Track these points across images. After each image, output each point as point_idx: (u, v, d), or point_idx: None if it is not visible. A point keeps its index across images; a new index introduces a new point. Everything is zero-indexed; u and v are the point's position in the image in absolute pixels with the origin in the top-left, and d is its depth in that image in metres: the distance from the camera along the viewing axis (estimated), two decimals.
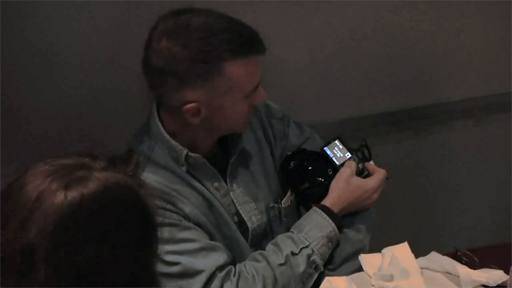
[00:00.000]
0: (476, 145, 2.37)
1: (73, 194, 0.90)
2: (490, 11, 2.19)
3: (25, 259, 0.88)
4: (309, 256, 1.53)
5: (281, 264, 1.51)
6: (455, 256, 1.58)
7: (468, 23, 2.20)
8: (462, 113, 2.32)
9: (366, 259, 1.56)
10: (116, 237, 0.93)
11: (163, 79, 1.42)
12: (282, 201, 1.67)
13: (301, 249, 1.53)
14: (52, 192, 0.90)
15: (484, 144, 2.35)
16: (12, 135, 1.81)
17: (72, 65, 1.83)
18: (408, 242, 1.61)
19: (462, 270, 1.47)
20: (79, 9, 1.77)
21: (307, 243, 1.54)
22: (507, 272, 1.48)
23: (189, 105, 1.42)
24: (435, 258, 1.57)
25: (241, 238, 1.60)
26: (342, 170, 1.63)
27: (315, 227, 1.56)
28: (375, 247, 1.63)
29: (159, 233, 1.01)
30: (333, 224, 1.56)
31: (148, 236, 0.98)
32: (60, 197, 0.90)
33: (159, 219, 1.39)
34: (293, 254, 1.52)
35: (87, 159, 0.97)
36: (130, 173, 0.99)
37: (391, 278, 1.49)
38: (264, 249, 1.57)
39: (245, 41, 1.43)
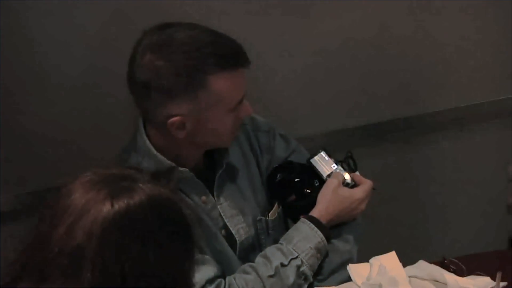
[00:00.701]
0: (464, 155, 2.39)
1: (120, 203, 0.95)
2: (481, 19, 2.22)
3: (73, 261, 0.92)
4: (298, 267, 1.53)
5: (271, 276, 1.51)
6: (443, 264, 1.59)
7: (455, 32, 2.22)
8: (449, 123, 2.34)
9: (355, 269, 1.57)
10: (159, 246, 0.96)
11: (148, 93, 1.43)
12: (269, 214, 1.68)
13: (291, 260, 1.54)
14: (99, 200, 0.95)
15: (471, 153, 2.38)
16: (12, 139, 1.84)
17: (64, 77, 1.86)
18: (396, 252, 1.62)
19: (450, 277, 1.48)
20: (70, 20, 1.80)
21: (296, 254, 1.54)
22: (493, 278, 1.49)
23: (173, 119, 1.43)
24: (423, 267, 1.58)
25: (230, 251, 1.61)
26: (329, 181, 1.64)
27: (304, 239, 1.57)
28: (364, 257, 1.64)
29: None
30: (321, 235, 1.57)
31: (187, 247, 1.02)
32: (107, 206, 0.94)
33: None
34: (282, 265, 1.53)
35: (132, 171, 1.02)
36: (171, 188, 1.04)
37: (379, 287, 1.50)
38: (252, 262, 1.57)
39: (229, 55, 1.44)
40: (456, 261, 1.57)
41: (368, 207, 2.14)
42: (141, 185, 0.98)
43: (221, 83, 1.43)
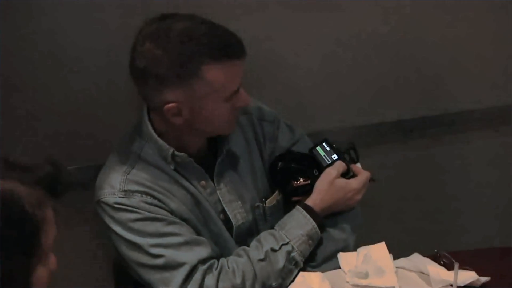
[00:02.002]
0: (484, 154, 2.37)
1: None
2: (504, 19, 2.20)
3: None
4: (289, 252, 1.59)
5: (261, 260, 1.57)
6: (436, 257, 1.61)
7: (479, 31, 2.21)
8: (474, 122, 2.33)
9: (344, 257, 1.62)
10: None
11: (145, 80, 1.50)
12: (267, 201, 1.74)
13: (281, 245, 1.59)
14: None
15: (492, 153, 2.35)
16: (12, 134, 1.90)
17: (74, 66, 1.90)
18: (414, 245, 1.66)
19: (433, 269, 1.51)
20: (83, 9, 1.85)
21: (287, 240, 1.60)
22: (479, 273, 1.51)
23: (169, 105, 1.50)
24: (414, 259, 1.61)
25: (227, 235, 1.68)
26: (327, 170, 1.69)
27: (296, 225, 1.62)
28: None
29: (45, 247, 1.06)
30: (313, 223, 1.62)
31: (25, 243, 1.02)
32: None
33: (146, 213, 1.52)
34: (273, 250, 1.58)
35: None
36: (29, 181, 1.03)
37: (365, 276, 1.54)
38: (249, 246, 1.64)
39: (224, 46, 1.49)
40: (447, 255, 1.58)
41: (387, 202, 2.20)
42: None
43: (214, 74, 1.48)
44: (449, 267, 1.56)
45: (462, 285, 1.46)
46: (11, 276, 1.00)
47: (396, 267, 1.57)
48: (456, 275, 1.35)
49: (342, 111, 2.21)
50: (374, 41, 2.15)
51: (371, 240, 1.67)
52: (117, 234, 1.56)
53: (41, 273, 1.06)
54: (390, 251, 1.63)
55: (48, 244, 1.07)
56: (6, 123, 1.84)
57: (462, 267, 1.52)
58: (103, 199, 1.57)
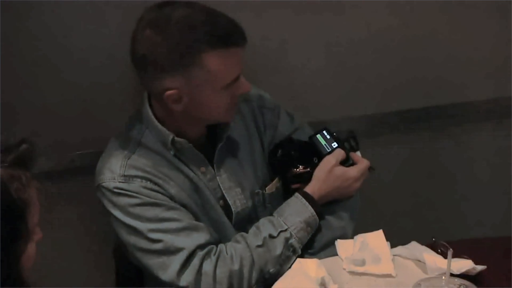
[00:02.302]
0: (487, 146, 2.38)
1: None
2: (508, 13, 2.19)
3: None
4: (287, 239, 1.60)
5: (259, 246, 1.58)
6: (433, 246, 1.62)
7: (486, 24, 2.21)
8: (477, 114, 2.33)
9: (341, 244, 1.63)
10: None
11: (145, 67, 1.51)
12: (267, 188, 1.75)
13: (280, 232, 1.60)
14: None
15: (495, 145, 2.36)
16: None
17: (73, 63, 1.93)
18: (418, 233, 1.68)
19: (429, 257, 1.51)
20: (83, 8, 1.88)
21: (286, 227, 1.61)
22: (476, 262, 1.51)
23: (169, 92, 1.51)
24: (411, 247, 1.61)
25: (226, 221, 1.69)
26: (326, 158, 1.69)
27: (294, 212, 1.63)
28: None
29: (30, 225, 1.06)
30: (312, 210, 1.63)
31: (12, 228, 1.02)
32: None
33: (145, 198, 1.53)
34: (271, 236, 1.60)
35: None
36: (7, 163, 1.03)
37: (362, 263, 1.55)
38: (248, 232, 1.65)
39: (224, 34, 1.49)
40: (444, 243, 1.58)
41: (387, 192, 2.20)
42: None
43: (214, 61, 1.49)
44: (446, 256, 1.56)
45: (458, 273, 1.46)
46: (1, 259, 1.01)
47: (393, 255, 1.58)
48: (449, 261, 1.35)
49: (346, 102, 2.22)
50: (378, 33, 2.15)
51: (370, 228, 1.67)
52: (116, 218, 1.58)
53: (29, 250, 1.07)
54: (388, 240, 1.64)
55: (34, 223, 1.08)
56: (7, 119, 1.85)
57: (459, 255, 1.53)
58: (103, 184, 1.58)
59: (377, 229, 1.64)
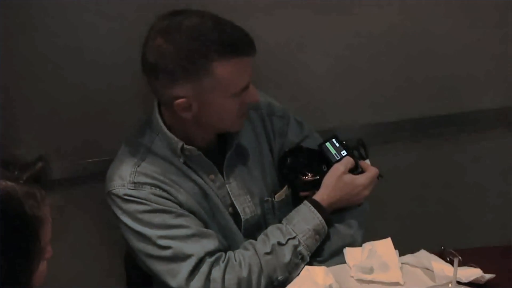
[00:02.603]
0: (503, 155, 2.36)
1: None
2: None
3: None
4: (295, 247, 1.61)
5: (267, 253, 1.59)
6: (442, 254, 1.62)
7: (496, 30, 2.20)
8: (488, 121, 2.32)
9: (350, 252, 1.63)
10: None
11: (156, 75, 1.53)
12: (276, 195, 1.76)
13: (288, 240, 1.61)
14: None
15: (505, 152, 2.35)
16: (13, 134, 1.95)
17: (84, 68, 1.95)
18: (416, 242, 1.66)
19: (437, 265, 1.51)
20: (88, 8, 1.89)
21: (294, 235, 1.62)
22: (485, 271, 1.51)
23: (179, 100, 1.53)
24: (419, 255, 1.61)
25: (235, 228, 1.70)
26: (335, 166, 1.70)
27: (303, 220, 1.64)
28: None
29: (43, 243, 1.06)
30: (320, 218, 1.64)
31: (25, 246, 1.02)
32: None
33: (154, 205, 1.54)
34: (279, 244, 1.60)
35: None
36: (23, 180, 1.03)
37: (370, 271, 1.55)
38: (257, 240, 1.66)
39: (233, 43, 1.51)
40: (453, 251, 1.58)
41: (397, 199, 2.20)
42: None
43: (223, 70, 1.50)
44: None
45: (466, 281, 1.46)
46: (13, 278, 1.01)
47: (402, 263, 1.58)
48: (455, 268, 1.35)
49: (356, 109, 2.22)
50: (389, 39, 2.15)
51: (379, 236, 1.68)
52: (126, 225, 1.59)
53: (41, 268, 1.07)
54: (397, 248, 1.64)
55: (47, 240, 1.08)
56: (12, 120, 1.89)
57: (468, 264, 1.53)
58: (113, 191, 1.60)
59: (386, 237, 1.64)
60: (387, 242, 1.62)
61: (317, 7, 2.04)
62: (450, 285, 1.40)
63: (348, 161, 1.71)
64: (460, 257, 1.54)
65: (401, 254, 1.63)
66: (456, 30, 2.19)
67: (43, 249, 1.07)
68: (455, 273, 1.35)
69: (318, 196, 1.67)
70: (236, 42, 1.51)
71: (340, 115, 2.22)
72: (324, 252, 1.68)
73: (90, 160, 2.05)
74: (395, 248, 1.63)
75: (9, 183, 1.01)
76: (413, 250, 1.65)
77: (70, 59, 1.91)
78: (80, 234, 2.07)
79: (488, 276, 1.49)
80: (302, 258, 1.62)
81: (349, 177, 1.69)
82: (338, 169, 1.69)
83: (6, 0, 1.77)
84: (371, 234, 1.71)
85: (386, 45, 2.16)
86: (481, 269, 1.52)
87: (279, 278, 1.59)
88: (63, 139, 2.01)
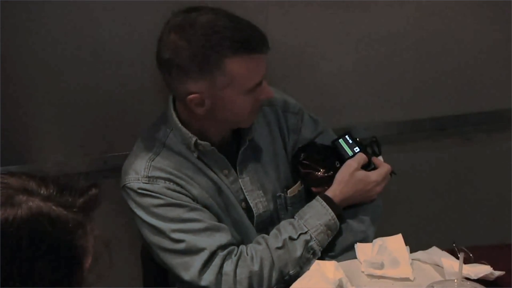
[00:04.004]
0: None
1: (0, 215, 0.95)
2: None
3: None
4: (307, 242, 1.62)
5: (279, 248, 1.61)
6: (453, 251, 1.62)
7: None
8: (504, 121, 2.31)
9: (361, 248, 1.64)
10: (34, 266, 0.96)
11: (169, 70, 1.55)
12: (288, 191, 1.78)
13: (300, 235, 1.62)
14: None
15: None
16: (14, 133, 1.99)
17: (101, 64, 1.98)
18: (429, 239, 1.67)
19: (446, 262, 1.52)
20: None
21: (306, 230, 1.63)
22: (495, 268, 1.51)
23: (192, 96, 1.55)
24: (431, 252, 1.62)
25: (248, 223, 1.72)
26: (347, 162, 1.71)
27: (315, 215, 1.65)
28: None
29: (85, 272, 1.04)
30: (332, 213, 1.65)
31: (68, 274, 1.01)
32: None
33: (168, 199, 1.57)
34: (291, 239, 1.62)
35: (33, 184, 1.00)
36: (76, 208, 1.02)
37: (381, 266, 1.56)
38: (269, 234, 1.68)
39: (246, 40, 1.52)
40: (464, 249, 1.58)
41: (411, 196, 2.20)
42: (31, 201, 0.97)
43: (236, 66, 1.52)
44: (467, 261, 1.57)
45: (475, 277, 1.46)
46: None
47: (412, 259, 1.59)
48: (461, 264, 1.36)
49: (373, 107, 2.23)
50: (406, 38, 2.15)
51: (393, 233, 1.68)
52: (140, 218, 1.62)
53: None
54: (409, 244, 1.64)
55: (87, 268, 1.06)
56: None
57: (478, 261, 1.53)
58: (128, 184, 1.63)
59: (394, 232, 1.65)
60: (398, 238, 1.63)
61: (333, 5, 2.05)
62: (456, 280, 1.40)
63: (361, 158, 1.72)
64: (470, 254, 1.57)
65: (413, 250, 1.64)
66: (472, 30, 2.18)
67: (84, 277, 1.05)
68: (461, 268, 1.36)
69: (331, 192, 1.69)
70: (249, 39, 1.53)
71: (357, 113, 2.23)
72: (336, 247, 1.69)
73: (110, 155, 2.08)
74: (407, 244, 1.64)
75: (62, 211, 0.99)
76: (425, 247, 1.66)
77: (89, 60, 1.95)
78: (99, 227, 2.10)
79: (497, 273, 1.49)
80: (314, 253, 1.63)
81: (362, 173, 1.70)
82: (351, 165, 1.70)
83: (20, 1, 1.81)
84: (384, 230, 1.72)
85: (401, 44, 2.16)
86: (492, 266, 1.52)
87: (290, 272, 1.60)
88: (83, 132, 2.05)
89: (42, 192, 0.99)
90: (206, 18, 1.54)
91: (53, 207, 0.99)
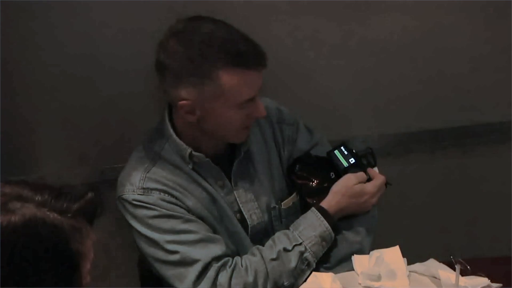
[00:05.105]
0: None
1: None
2: None
3: None
4: (301, 253, 1.61)
5: (273, 259, 1.60)
6: (450, 263, 1.60)
7: None
8: (502, 133, 2.30)
9: (358, 259, 1.63)
10: (31, 271, 0.98)
11: (163, 73, 1.56)
12: (283, 203, 1.77)
13: (294, 246, 1.62)
14: None
15: None
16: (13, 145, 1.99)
17: (102, 73, 1.98)
18: (426, 251, 1.66)
19: (444, 274, 1.51)
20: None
21: (301, 241, 1.62)
22: (493, 280, 1.50)
23: (182, 102, 1.54)
24: (428, 264, 1.61)
25: (243, 234, 1.71)
26: (348, 176, 1.71)
27: (309, 226, 1.64)
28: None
29: (83, 276, 1.06)
30: (327, 225, 1.64)
31: (65, 278, 1.03)
32: None
33: (163, 210, 1.56)
34: (285, 250, 1.61)
35: (28, 191, 1.02)
36: (71, 213, 1.03)
37: (378, 278, 1.55)
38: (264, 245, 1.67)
39: (241, 54, 1.51)
40: (462, 261, 1.56)
41: (409, 208, 2.19)
42: (26, 208, 0.99)
43: (227, 79, 1.51)
44: (464, 274, 1.55)
45: None
46: None
47: (410, 271, 1.58)
48: (457, 275, 1.35)
49: (371, 119, 2.22)
50: (403, 50, 2.15)
51: (389, 245, 1.67)
52: (135, 230, 1.61)
53: None
54: (407, 256, 1.63)
55: (86, 272, 1.08)
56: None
57: (476, 273, 1.52)
58: (123, 196, 1.62)
59: (392, 244, 1.64)
60: (395, 250, 1.62)
61: (330, 18, 2.05)
62: None
63: (362, 176, 1.71)
64: (468, 266, 1.55)
65: (411, 262, 1.63)
66: (472, 41, 2.17)
67: (82, 280, 1.07)
68: (457, 280, 1.35)
69: (326, 203, 1.68)
70: (244, 54, 1.52)
71: (353, 125, 2.23)
72: (331, 259, 1.68)
73: (108, 166, 2.08)
74: (404, 256, 1.63)
75: (57, 217, 1.01)
76: (422, 259, 1.65)
77: (88, 68, 1.96)
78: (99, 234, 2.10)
79: (495, 285, 1.48)
80: (308, 265, 1.62)
81: (358, 186, 1.69)
82: (350, 179, 1.69)
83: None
84: (381, 242, 1.71)
85: (398, 56, 2.16)
86: (490, 278, 1.51)
87: (285, 283, 1.59)
88: (81, 144, 2.05)
89: (37, 198, 1.02)
90: (207, 27, 1.54)
91: (48, 212, 1.00)
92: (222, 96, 1.53)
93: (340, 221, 1.69)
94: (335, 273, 1.61)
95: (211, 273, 1.57)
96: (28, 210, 0.99)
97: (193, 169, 1.65)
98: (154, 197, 1.60)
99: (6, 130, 1.95)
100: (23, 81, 1.94)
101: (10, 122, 1.95)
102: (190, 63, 1.51)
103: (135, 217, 1.61)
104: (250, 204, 1.71)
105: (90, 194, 1.08)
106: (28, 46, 1.89)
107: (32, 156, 2.07)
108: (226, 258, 1.60)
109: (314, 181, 1.74)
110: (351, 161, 1.73)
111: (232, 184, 1.70)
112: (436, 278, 1.55)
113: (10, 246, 0.97)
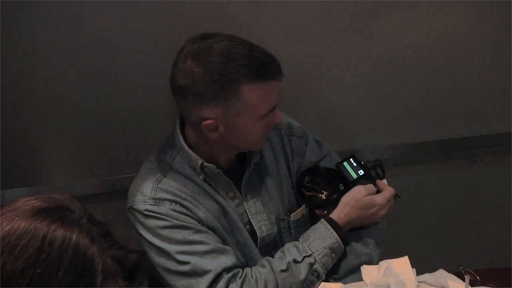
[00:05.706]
0: None
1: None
2: None
3: None
4: (311, 264, 1.62)
5: (283, 271, 1.61)
6: (460, 274, 1.61)
7: None
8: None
9: (367, 270, 1.64)
10: (47, 279, 0.99)
11: (185, 96, 1.56)
12: (292, 214, 1.78)
13: (304, 257, 1.63)
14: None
15: None
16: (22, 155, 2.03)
17: (114, 85, 2.02)
18: (436, 261, 1.67)
19: (453, 284, 1.52)
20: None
21: (310, 253, 1.63)
22: None
23: (207, 122, 1.56)
24: (438, 274, 1.61)
25: (252, 245, 1.72)
26: (357, 188, 1.72)
27: (319, 238, 1.65)
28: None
29: None
30: (336, 236, 1.65)
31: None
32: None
33: (174, 221, 1.57)
34: (295, 261, 1.62)
35: (85, 219, 1.06)
36: (110, 255, 1.05)
37: None
38: (274, 257, 1.68)
39: (262, 67, 1.54)
40: (471, 271, 1.58)
41: (418, 219, 2.20)
42: (82, 234, 1.01)
43: (251, 93, 1.54)
44: (473, 284, 1.56)
45: None
46: None
47: (419, 282, 1.58)
48: (467, 285, 1.35)
49: (379, 130, 2.24)
50: (412, 62, 2.17)
51: (399, 255, 1.68)
52: (146, 240, 1.62)
53: None
54: (415, 267, 1.64)
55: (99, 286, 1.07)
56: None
57: (486, 284, 1.52)
58: (134, 206, 1.64)
59: (401, 255, 1.65)
60: (405, 261, 1.62)
61: (339, 31, 2.08)
62: None
63: (371, 188, 1.72)
64: (477, 276, 1.56)
65: (420, 273, 1.63)
66: (480, 52, 2.19)
67: None
68: None
69: (335, 214, 1.69)
70: (264, 67, 1.54)
71: (362, 136, 2.25)
72: (340, 270, 1.69)
73: (118, 177, 2.09)
74: (414, 266, 1.63)
75: (97, 251, 1.02)
76: (431, 270, 1.66)
77: (98, 81, 1.98)
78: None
79: None
80: (318, 276, 1.63)
81: (368, 198, 1.70)
82: (360, 191, 1.71)
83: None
84: (390, 253, 1.72)
85: (407, 67, 2.18)
86: None
87: None
88: (91, 154, 2.06)
89: (92, 231, 1.04)
90: (222, 45, 1.54)
91: (91, 244, 1.02)
92: (247, 110, 1.55)
93: (349, 232, 1.70)
94: (344, 283, 1.62)
95: (221, 284, 1.58)
96: (82, 241, 1.01)
97: (204, 180, 1.67)
98: (165, 208, 1.61)
99: (16, 142, 1.96)
100: (32, 92, 1.96)
101: (19, 133, 1.97)
102: (213, 84, 1.52)
103: (146, 227, 1.62)
104: (260, 215, 1.73)
105: (134, 255, 1.10)
106: (36, 60, 1.92)
107: (42, 167, 2.09)
108: (237, 269, 1.61)
109: (323, 193, 1.75)
110: (360, 173, 1.74)
111: (242, 196, 1.71)
112: None
113: (58, 260, 0.99)
